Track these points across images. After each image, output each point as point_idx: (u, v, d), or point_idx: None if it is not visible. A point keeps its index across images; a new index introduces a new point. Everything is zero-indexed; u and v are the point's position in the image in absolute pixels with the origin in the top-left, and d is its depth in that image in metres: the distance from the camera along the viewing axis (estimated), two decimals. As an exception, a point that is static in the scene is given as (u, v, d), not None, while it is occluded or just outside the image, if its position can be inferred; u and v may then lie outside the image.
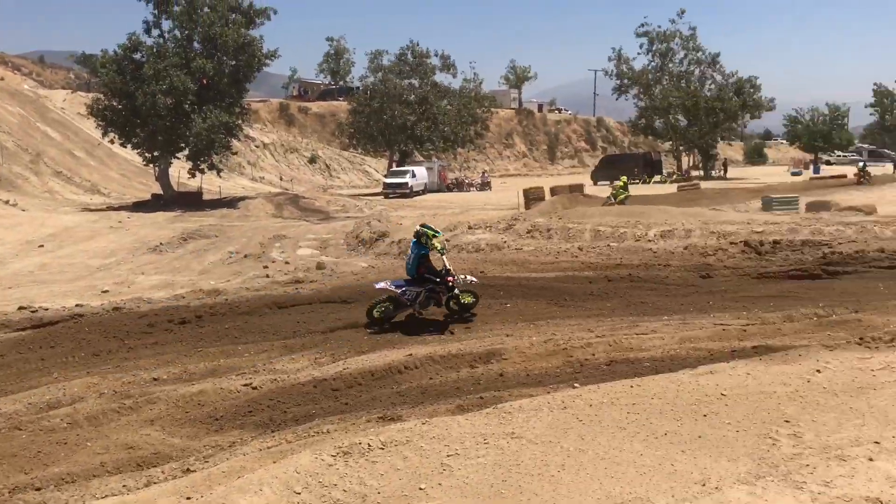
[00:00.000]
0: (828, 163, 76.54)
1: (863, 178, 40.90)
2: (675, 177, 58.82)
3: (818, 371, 6.70)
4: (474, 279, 11.51)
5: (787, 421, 5.46)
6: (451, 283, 10.74)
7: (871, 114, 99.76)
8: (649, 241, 18.18)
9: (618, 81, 64.27)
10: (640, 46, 62.87)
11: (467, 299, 10.98)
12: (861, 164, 47.19)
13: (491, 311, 11.28)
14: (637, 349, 8.42)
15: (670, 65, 62.52)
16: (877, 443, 4.92)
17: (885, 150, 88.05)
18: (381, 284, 11.00)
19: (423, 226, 11.12)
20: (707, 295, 12.11)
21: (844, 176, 50.29)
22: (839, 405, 5.79)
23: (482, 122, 61.90)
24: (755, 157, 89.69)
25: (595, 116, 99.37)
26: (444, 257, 10.98)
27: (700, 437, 5.25)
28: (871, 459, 4.67)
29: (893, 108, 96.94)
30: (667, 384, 6.56)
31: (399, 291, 10.64)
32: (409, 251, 11.11)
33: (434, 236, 10.89)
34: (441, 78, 58.71)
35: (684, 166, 65.65)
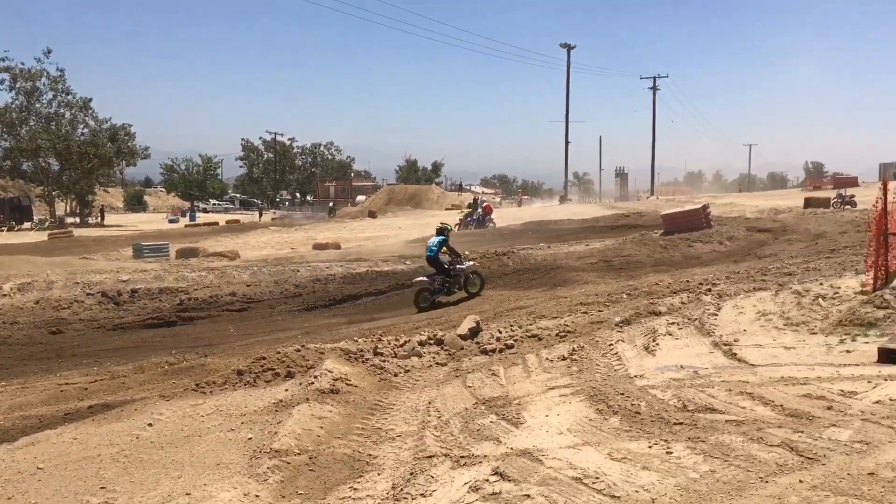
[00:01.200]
0: (205, 210, 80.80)
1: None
2: (47, 224, 54.79)
3: (150, 424, 6.54)
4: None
5: (102, 487, 5.10)
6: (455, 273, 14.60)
7: (240, 166, 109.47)
8: (4, 295, 16.23)
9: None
10: (1, 82, 57.25)
11: (475, 283, 14.83)
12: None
13: None
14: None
15: (38, 105, 58.28)
16: (188, 494, 4.89)
17: (255, 200, 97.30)
18: (418, 279, 14.75)
19: (442, 223, 16.03)
20: (57, 352, 11.19)
21: (217, 223, 53.64)
22: (162, 459, 5.67)
23: None
24: (135, 204, 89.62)
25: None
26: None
27: (-4, 528, 4.54)
28: (178, 514, 4.59)
29: (259, 161, 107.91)
30: (-26, 468, 5.64)
31: (428, 281, 14.36)
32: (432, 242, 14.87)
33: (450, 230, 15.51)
34: None
35: (59, 212, 61.68)
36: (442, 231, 14.99)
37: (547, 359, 7.98)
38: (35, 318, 13.50)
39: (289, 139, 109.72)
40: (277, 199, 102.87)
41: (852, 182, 53.69)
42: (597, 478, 4.43)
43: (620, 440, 5.12)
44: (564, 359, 7.87)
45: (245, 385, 7.72)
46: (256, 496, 4.82)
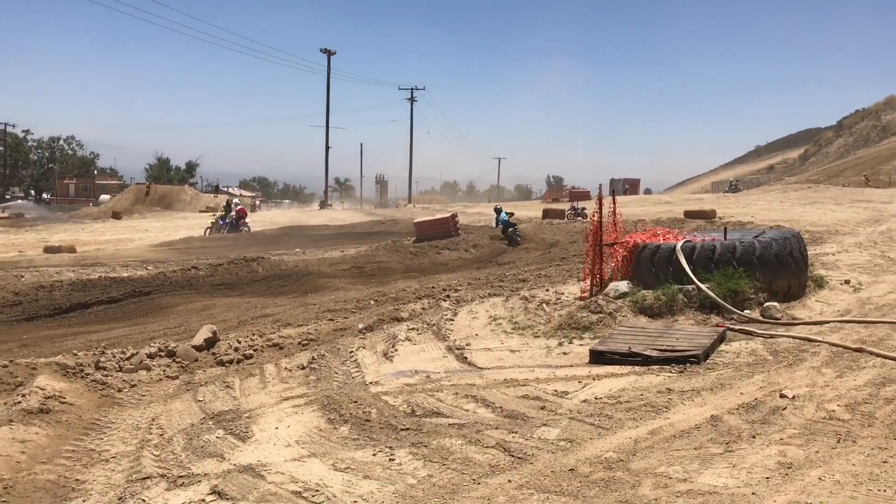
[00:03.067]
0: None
1: None
2: None
3: None
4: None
5: None
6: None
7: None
8: None
9: None
10: None
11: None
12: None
13: None
14: None
15: None
16: None
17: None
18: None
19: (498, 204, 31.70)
20: None
21: (-72, 222, 47.08)
22: None
23: None
24: None
25: None
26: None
27: None
28: None
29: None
30: None
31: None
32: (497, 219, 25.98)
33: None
34: None
35: None
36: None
37: (286, 368, 7.83)
38: None
39: (23, 131, 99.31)
40: (8, 196, 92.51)
41: (585, 195, 58.78)
42: (317, 490, 4.39)
43: (347, 449, 5.11)
44: (304, 368, 7.77)
45: (-65, 408, 6.77)
46: (-70, 538, 4.21)
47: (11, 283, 16.18)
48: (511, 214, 26.10)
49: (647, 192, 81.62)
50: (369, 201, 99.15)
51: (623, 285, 9.28)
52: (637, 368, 6.77)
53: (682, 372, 6.59)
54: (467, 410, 5.80)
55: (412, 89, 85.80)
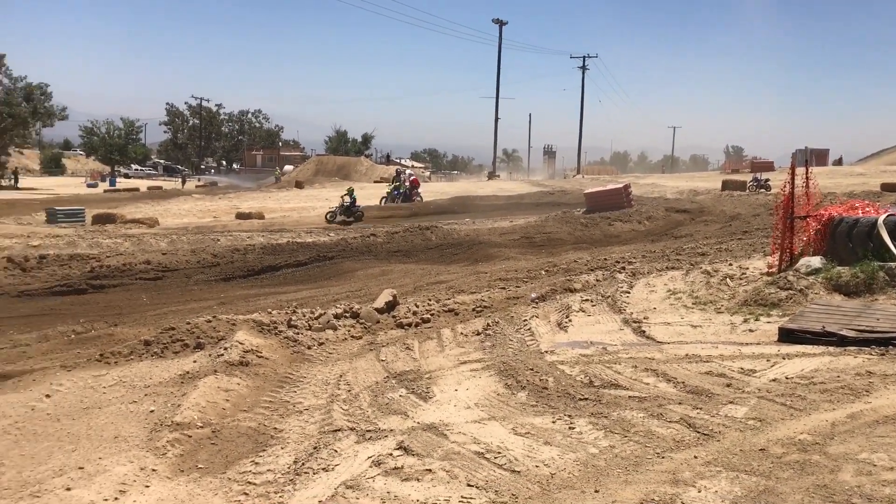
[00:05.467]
0: (126, 176, 78.18)
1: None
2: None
3: (48, 396, 6.30)
4: None
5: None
6: None
7: (164, 131, 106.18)
8: None
9: None
10: None
11: None
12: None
13: None
14: None
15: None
16: (81, 468, 4.72)
17: (178, 167, 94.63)
18: None
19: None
20: (-45, 320, 10.67)
21: (138, 189, 51.99)
22: (57, 431, 5.47)
23: None
24: (53, 167, 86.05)
25: None
26: None
27: None
28: (68, 489, 4.43)
29: (184, 127, 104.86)
30: None
31: None
32: None
33: None
34: None
35: (-32, 173, 58.75)
36: None
37: (462, 333, 8.00)
38: (-67, 284, 12.85)
39: (216, 105, 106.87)
40: (203, 167, 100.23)
41: (768, 166, 55.44)
42: (499, 452, 4.47)
43: (526, 415, 5.17)
44: (479, 334, 7.91)
45: (152, 356, 7.51)
46: (153, 470, 4.69)
47: (210, 245, 17.57)
48: None
49: (838, 162, 75.64)
50: (537, 172, 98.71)
51: (816, 261, 8.70)
52: (832, 349, 6.35)
53: (883, 355, 6.10)
54: (647, 384, 5.69)
55: (584, 57, 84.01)
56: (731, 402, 5.13)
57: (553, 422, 4.97)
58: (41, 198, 42.65)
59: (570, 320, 8.08)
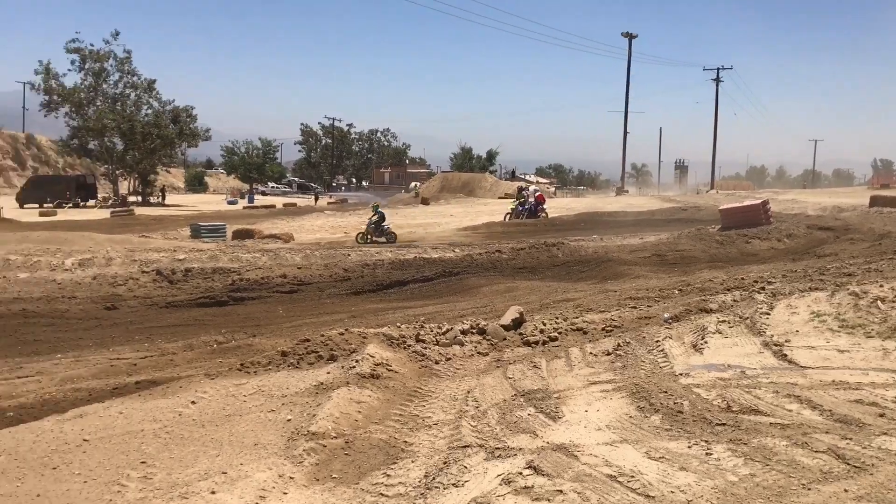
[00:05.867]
0: (263, 193, 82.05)
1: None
2: (110, 202, 56.31)
3: (193, 402, 6.65)
4: None
5: (143, 462, 5.19)
6: None
7: (299, 151, 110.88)
8: (66, 270, 16.71)
9: (46, 97, 59.11)
10: (72, 63, 58.96)
11: None
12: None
13: None
14: (6, 397, 7.38)
15: (105, 85, 59.86)
16: (224, 473, 4.95)
17: (311, 184, 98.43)
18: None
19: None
20: (111, 328, 11.48)
21: (274, 206, 54.38)
22: (202, 437, 5.76)
23: None
24: (196, 184, 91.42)
25: (25, 132, 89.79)
26: None
27: (39, 495, 4.66)
28: (213, 492, 4.65)
29: (317, 146, 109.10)
30: (24, 435, 5.80)
31: None
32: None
33: None
34: None
35: (122, 191, 63.35)
36: None
37: (591, 353, 7.86)
38: (92, 294, 13.87)
39: (347, 125, 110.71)
40: (334, 184, 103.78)
41: (923, 181, 51.69)
42: (632, 476, 4.35)
43: (660, 439, 5.01)
44: (609, 354, 7.74)
45: (288, 366, 7.79)
46: (291, 478, 4.85)
47: (341, 260, 18.11)
48: None
49: None
50: (667, 188, 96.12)
51: (980, 284, 8.01)
52: None
53: None
54: (790, 410, 5.39)
55: (718, 69, 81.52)
56: (884, 434, 4.79)
57: (689, 447, 4.79)
58: (186, 214, 45.38)
59: (705, 342, 7.78)
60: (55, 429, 5.97)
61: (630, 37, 73.79)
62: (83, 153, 64.63)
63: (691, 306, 9.79)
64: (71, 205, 52.73)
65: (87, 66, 58.90)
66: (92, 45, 58.93)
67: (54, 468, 5.11)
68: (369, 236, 26.78)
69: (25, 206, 50.58)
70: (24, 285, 14.37)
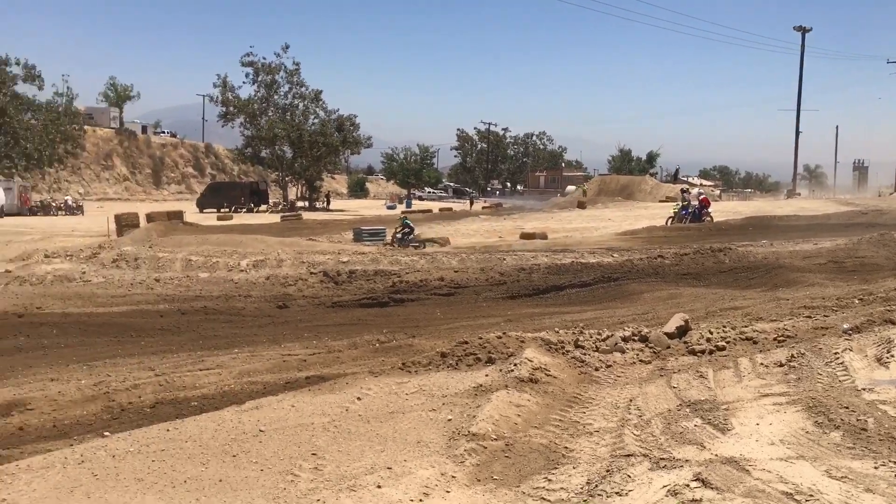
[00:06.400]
0: (420, 198, 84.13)
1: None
2: (280, 206, 59.66)
3: (359, 399, 6.89)
4: None
5: (314, 454, 5.44)
6: None
7: (455, 156, 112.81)
8: (241, 271, 17.89)
9: (223, 108, 63.57)
10: (247, 76, 63.07)
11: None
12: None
13: (39, 354, 9.97)
14: (190, 387, 7.98)
15: (275, 96, 63.59)
16: (389, 468, 5.10)
17: (467, 189, 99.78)
18: None
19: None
20: (282, 325, 12.14)
21: (430, 210, 55.59)
22: (368, 432, 5.96)
23: (74, 141, 56.62)
24: (358, 190, 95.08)
25: (204, 142, 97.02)
26: None
27: (221, 480, 4.99)
28: (379, 486, 4.80)
29: (473, 151, 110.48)
30: (207, 424, 6.23)
31: None
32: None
33: None
34: (25, 89, 52.63)
35: (291, 196, 66.98)
36: None
37: (762, 364, 7.46)
38: (265, 293, 14.75)
39: (502, 129, 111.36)
40: (489, 189, 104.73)
41: None
42: (811, 495, 4.09)
43: (841, 457, 4.68)
44: (781, 365, 7.31)
45: (448, 367, 7.91)
46: (453, 477, 4.92)
47: (497, 264, 18.23)
48: None
49: None
50: (844, 190, 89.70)
51: None
52: None
53: None
54: None
55: (902, 61, 75.19)
56: None
57: (875, 467, 4.44)
58: (348, 218, 47.28)
59: (891, 355, 7.18)
60: (234, 419, 6.37)
61: (803, 31, 69.57)
62: (256, 161, 68.96)
63: (874, 317, 9.07)
64: (245, 209, 56.35)
65: (259, 79, 62.82)
66: (264, 58, 62.87)
67: (234, 456, 5.45)
68: (395, 244, 27.22)
69: (205, 210, 54.58)
70: (205, 284, 15.50)
